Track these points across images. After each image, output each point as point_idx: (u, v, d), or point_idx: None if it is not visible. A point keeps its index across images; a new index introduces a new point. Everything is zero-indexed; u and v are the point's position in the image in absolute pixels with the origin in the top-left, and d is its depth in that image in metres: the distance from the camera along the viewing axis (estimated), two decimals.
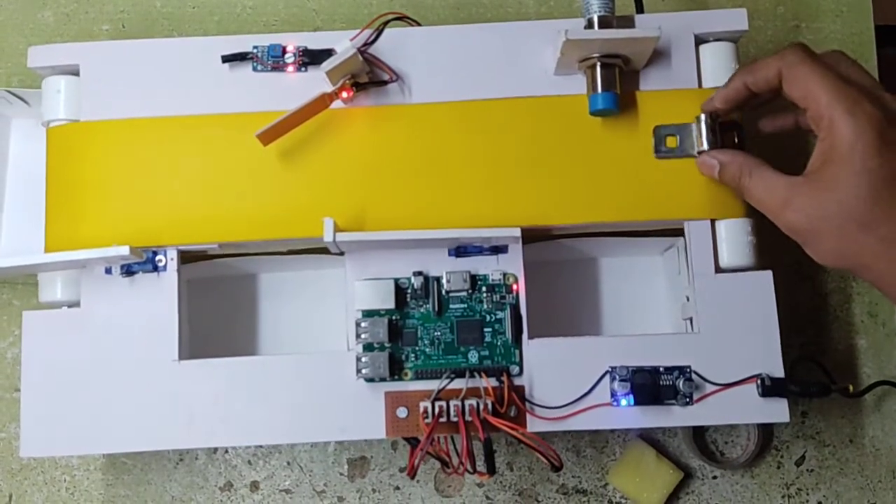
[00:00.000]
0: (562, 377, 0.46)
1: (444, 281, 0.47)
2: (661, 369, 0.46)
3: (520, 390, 0.46)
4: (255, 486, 0.56)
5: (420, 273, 0.47)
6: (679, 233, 0.48)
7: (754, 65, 0.43)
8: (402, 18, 0.49)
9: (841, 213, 0.38)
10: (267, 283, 0.55)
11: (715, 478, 0.56)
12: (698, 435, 0.56)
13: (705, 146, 0.45)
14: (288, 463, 0.56)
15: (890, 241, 0.38)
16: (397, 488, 0.56)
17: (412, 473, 0.44)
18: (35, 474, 0.56)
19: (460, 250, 0.47)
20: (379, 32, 0.48)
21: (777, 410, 0.46)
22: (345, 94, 0.46)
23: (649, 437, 0.56)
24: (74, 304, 0.48)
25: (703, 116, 0.46)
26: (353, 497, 0.56)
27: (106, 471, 0.56)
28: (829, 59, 0.41)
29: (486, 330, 0.46)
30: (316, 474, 0.56)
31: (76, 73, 0.49)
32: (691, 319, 0.47)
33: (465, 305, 0.47)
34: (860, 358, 0.57)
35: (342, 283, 0.48)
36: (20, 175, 0.55)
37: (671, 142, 0.47)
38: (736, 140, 0.47)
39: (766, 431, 0.56)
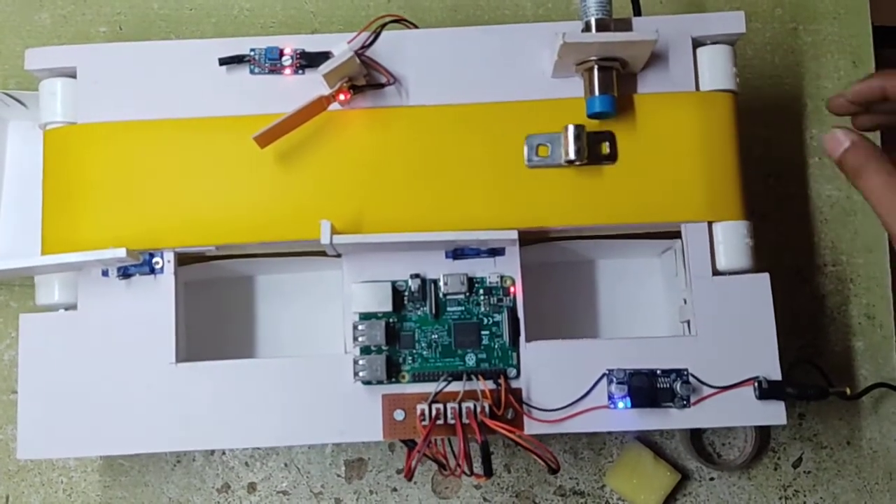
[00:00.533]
0: (559, 380, 0.46)
1: (441, 283, 0.47)
2: (659, 372, 0.46)
3: (517, 393, 0.46)
4: (252, 487, 0.56)
5: (417, 275, 0.47)
6: (676, 235, 0.48)
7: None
8: (399, 21, 0.49)
9: None
10: (263, 285, 0.55)
11: (712, 479, 0.56)
12: (695, 437, 0.56)
13: (572, 156, 0.46)
14: (285, 464, 0.56)
15: None
16: (394, 490, 0.56)
17: (409, 475, 0.44)
18: (32, 476, 0.56)
19: (457, 253, 0.47)
20: (376, 35, 0.47)
21: (774, 413, 0.46)
22: (342, 97, 0.46)
23: (647, 440, 0.56)
24: (71, 307, 0.47)
25: (570, 127, 0.46)
26: (351, 499, 0.56)
27: (103, 472, 0.56)
28: None
29: (483, 333, 0.46)
30: (313, 476, 0.56)
31: (73, 76, 0.48)
32: (688, 322, 0.47)
33: (463, 308, 0.47)
34: (857, 360, 0.57)
35: (339, 285, 0.48)
36: (16, 177, 0.55)
37: (543, 151, 0.47)
38: (608, 150, 0.47)
39: (764, 433, 0.56)
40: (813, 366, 0.53)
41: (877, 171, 0.40)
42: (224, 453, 0.56)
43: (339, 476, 0.56)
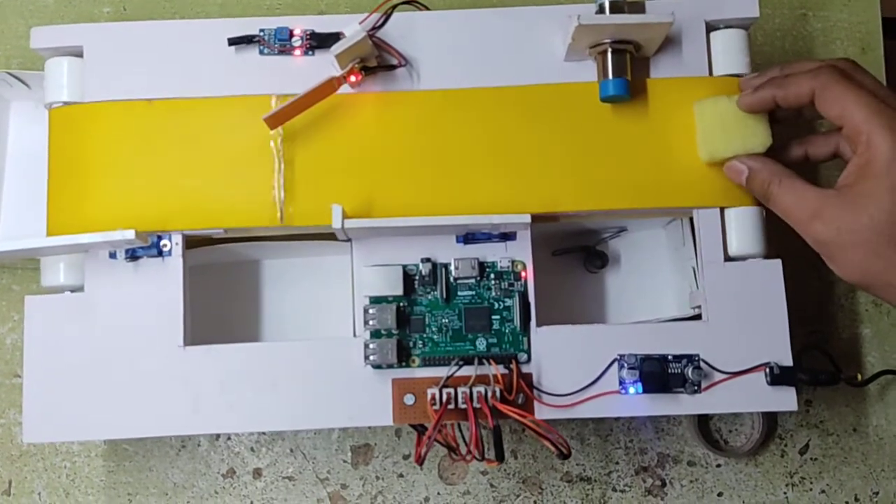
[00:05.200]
0: (570, 365, 0.46)
1: (452, 268, 0.46)
2: (670, 357, 0.46)
3: (528, 378, 0.46)
4: (257, 473, 0.56)
5: (428, 260, 0.47)
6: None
7: (786, 80, 0.43)
8: (410, 2, 0.49)
9: (873, 227, 0.38)
10: (269, 269, 0.54)
11: (719, 466, 0.56)
12: (703, 423, 0.56)
13: None
14: (291, 450, 0.56)
15: None
16: (401, 476, 0.56)
17: (420, 461, 0.44)
18: (35, 461, 0.55)
19: (468, 237, 0.47)
20: (387, 16, 0.47)
21: (785, 399, 0.45)
22: (353, 79, 0.46)
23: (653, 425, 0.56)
24: (78, 289, 0.47)
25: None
26: (357, 484, 0.55)
27: (107, 457, 0.56)
28: (860, 76, 0.42)
29: (494, 317, 0.46)
30: (319, 461, 0.56)
31: (80, 55, 0.48)
32: (700, 307, 0.47)
33: (474, 292, 0.47)
34: (865, 347, 0.57)
35: (345, 269, 0.48)
36: (19, 158, 0.54)
37: None
38: None
39: (771, 420, 0.56)
40: (821, 352, 0.53)
41: (781, 192, 0.42)
42: (229, 438, 0.56)
43: (345, 462, 0.56)
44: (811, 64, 0.44)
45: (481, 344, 0.46)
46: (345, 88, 0.46)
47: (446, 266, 0.47)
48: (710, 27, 0.48)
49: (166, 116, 0.47)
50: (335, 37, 0.47)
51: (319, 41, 0.48)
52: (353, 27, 0.46)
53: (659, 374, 0.45)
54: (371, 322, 0.46)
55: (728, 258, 0.47)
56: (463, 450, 0.44)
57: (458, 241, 0.47)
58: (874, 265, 0.39)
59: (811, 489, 0.56)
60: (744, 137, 0.45)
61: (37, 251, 0.46)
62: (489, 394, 0.44)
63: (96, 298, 0.46)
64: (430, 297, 0.46)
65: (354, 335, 0.46)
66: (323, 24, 0.48)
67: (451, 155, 0.47)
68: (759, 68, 0.59)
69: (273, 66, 0.48)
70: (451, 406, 0.44)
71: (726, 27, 0.48)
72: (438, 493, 0.55)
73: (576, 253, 0.54)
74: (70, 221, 0.46)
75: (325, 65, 0.47)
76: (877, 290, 0.40)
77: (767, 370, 0.45)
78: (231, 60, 0.48)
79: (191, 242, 0.48)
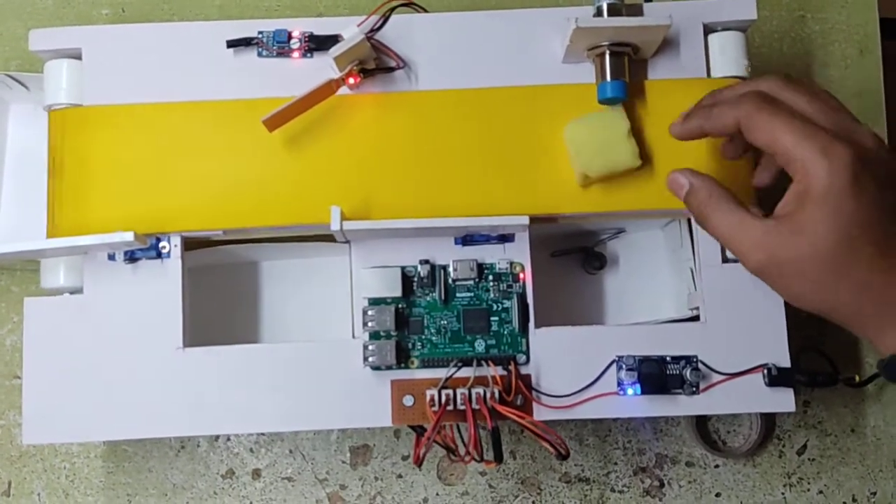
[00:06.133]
0: (568, 366, 0.46)
1: (450, 269, 0.47)
2: (668, 359, 0.46)
3: (526, 379, 0.46)
4: (256, 473, 0.56)
5: (427, 261, 0.47)
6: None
7: (712, 111, 0.41)
8: (408, 5, 0.49)
9: (814, 256, 0.37)
10: (268, 271, 0.55)
11: (717, 467, 0.56)
12: (701, 424, 0.57)
13: None
14: (290, 451, 0.56)
15: (863, 286, 0.37)
16: (399, 476, 0.56)
17: (419, 462, 0.44)
18: (34, 462, 0.56)
19: (467, 239, 0.47)
20: (385, 18, 0.47)
21: (783, 400, 0.46)
22: (351, 81, 0.46)
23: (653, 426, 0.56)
24: (77, 291, 0.47)
25: None
26: (356, 485, 0.56)
27: (106, 458, 0.56)
28: (788, 95, 0.39)
29: (492, 319, 0.46)
30: (318, 462, 0.56)
31: (78, 57, 0.48)
32: (698, 308, 0.47)
33: (472, 294, 0.47)
34: (862, 348, 0.57)
35: (344, 270, 0.48)
36: (18, 160, 0.54)
37: None
38: None
39: (769, 421, 0.56)
40: (819, 353, 0.53)
41: (718, 217, 0.40)
42: (229, 439, 0.56)
43: (344, 462, 0.56)
44: (737, 90, 0.42)
45: (480, 345, 0.46)
46: (343, 90, 0.47)
47: (445, 268, 0.47)
48: (708, 29, 0.48)
49: (165, 119, 0.47)
50: (333, 39, 0.47)
51: (318, 43, 0.48)
52: (351, 29, 0.46)
53: (657, 375, 0.45)
54: (370, 323, 0.46)
55: (726, 259, 0.47)
56: (462, 451, 0.44)
57: (456, 243, 0.47)
58: (819, 294, 0.38)
59: (809, 489, 0.56)
60: (613, 157, 0.45)
61: (36, 253, 0.47)
62: (488, 395, 0.44)
63: (95, 300, 0.46)
64: (428, 298, 0.47)
65: (353, 336, 0.47)
66: (321, 27, 0.48)
67: (449, 156, 0.47)
68: (756, 70, 0.59)
69: (271, 69, 0.48)
70: (450, 407, 0.44)
71: (724, 29, 0.48)
72: (437, 494, 0.56)
73: (574, 254, 0.54)
74: (69, 223, 0.46)
75: (323, 67, 0.47)
76: (825, 315, 0.39)
77: (765, 371, 0.45)
78: (230, 62, 0.48)
79: (189, 244, 0.48)
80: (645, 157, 0.47)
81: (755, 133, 0.39)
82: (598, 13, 0.46)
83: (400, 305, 0.46)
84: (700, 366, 0.46)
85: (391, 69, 0.47)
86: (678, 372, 0.46)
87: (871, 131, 0.39)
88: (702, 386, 0.46)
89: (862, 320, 0.38)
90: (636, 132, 0.46)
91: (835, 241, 0.36)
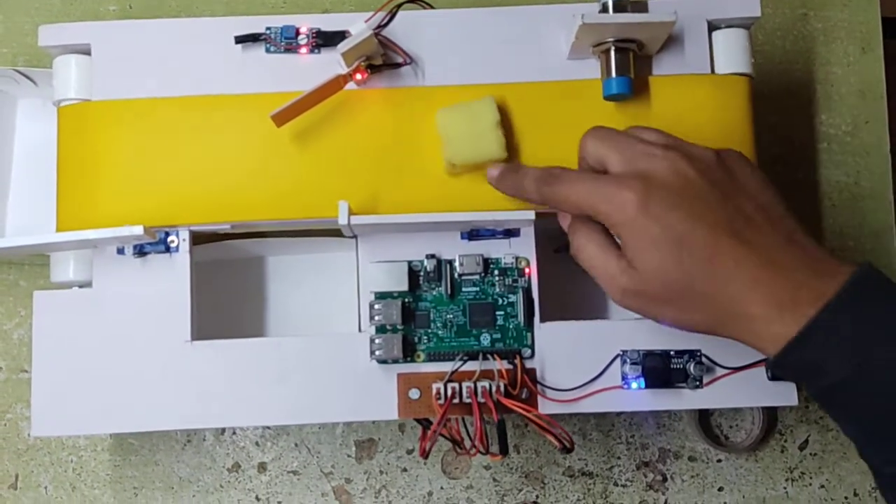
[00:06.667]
0: (573, 360, 0.46)
1: (456, 264, 0.47)
2: (672, 353, 0.46)
3: (531, 373, 0.46)
4: (262, 467, 0.56)
5: (433, 256, 0.47)
6: None
7: (521, 183, 0.44)
8: (415, 1, 0.49)
9: (663, 286, 0.38)
10: (275, 265, 0.55)
11: (719, 461, 0.57)
12: (703, 418, 0.57)
13: None
14: (296, 444, 0.56)
15: (709, 298, 0.38)
16: (405, 470, 0.56)
17: (425, 455, 0.44)
18: (41, 455, 0.56)
19: (473, 233, 0.47)
20: (392, 15, 0.47)
21: (785, 394, 0.46)
22: (359, 76, 0.46)
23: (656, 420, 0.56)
24: (86, 285, 0.47)
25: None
26: (361, 478, 0.56)
27: (113, 451, 0.56)
28: (588, 150, 0.42)
29: (498, 313, 0.47)
30: (323, 456, 0.56)
31: (87, 53, 0.48)
32: None
33: (478, 288, 0.47)
34: None
35: (351, 265, 0.48)
36: (27, 155, 0.55)
37: None
38: None
39: (771, 416, 0.57)
40: None
41: (586, 246, 0.41)
42: (235, 433, 0.56)
43: (349, 456, 0.56)
44: (529, 173, 0.44)
45: (485, 339, 0.47)
46: (350, 86, 0.47)
47: (451, 262, 0.47)
48: (713, 26, 0.49)
49: (173, 114, 0.47)
50: (341, 35, 0.47)
51: (325, 39, 0.48)
52: (358, 25, 0.46)
53: (661, 369, 0.46)
54: (376, 317, 0.46)
55: None
56: (467, 444, 0.44)
57: (462, 238, 0.47)
58: (688, 316, 0.39)
59: (811, 484, 0.56)
60: (480, 147, 0.45)
61: (46, 247, 0.47)
62: (493, 389, 0.44)
63: (104, 294, 0.47)
64: (434, 292, 0.47)
65: (360, 330, 0.47)
66: (329, 23, 0.48)
67: None
68: (759, 68, 0.60)
69: (279, 64, 0.48)
70: (456, 401, 0.44)
71: (728, 26, 0.49)
72: (442, 488, 0.56)
73: None
74: (79, 217, 0.47)
75: (331, 63, 0.47)
76: (713, 334, 0.40)
77: (768, 365, 0.46)
78: (237, 58, 0.48)
79: (197, 239, 0.48)
80: None
81: (559, 205, 0.42)
82: (604, 9, 0.47)
83: (406, 299, 0.47)
84: (703, 360, 0.46)
85: (398, 65, 0.48)
86: (682, 366, 0.46)
87: (679, 153, 0.39)
88: (705, 380, 0.46)
89: (738, 331, 0.38)
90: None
91: (665, 268, 0.38)
